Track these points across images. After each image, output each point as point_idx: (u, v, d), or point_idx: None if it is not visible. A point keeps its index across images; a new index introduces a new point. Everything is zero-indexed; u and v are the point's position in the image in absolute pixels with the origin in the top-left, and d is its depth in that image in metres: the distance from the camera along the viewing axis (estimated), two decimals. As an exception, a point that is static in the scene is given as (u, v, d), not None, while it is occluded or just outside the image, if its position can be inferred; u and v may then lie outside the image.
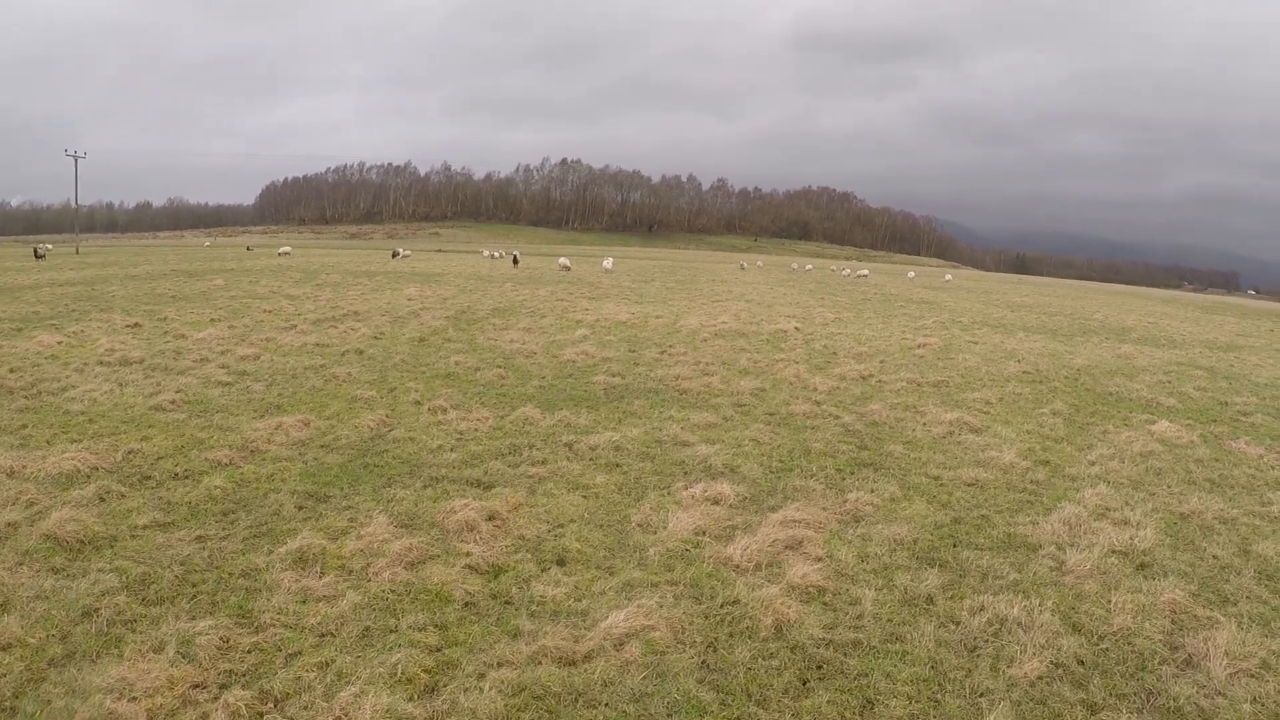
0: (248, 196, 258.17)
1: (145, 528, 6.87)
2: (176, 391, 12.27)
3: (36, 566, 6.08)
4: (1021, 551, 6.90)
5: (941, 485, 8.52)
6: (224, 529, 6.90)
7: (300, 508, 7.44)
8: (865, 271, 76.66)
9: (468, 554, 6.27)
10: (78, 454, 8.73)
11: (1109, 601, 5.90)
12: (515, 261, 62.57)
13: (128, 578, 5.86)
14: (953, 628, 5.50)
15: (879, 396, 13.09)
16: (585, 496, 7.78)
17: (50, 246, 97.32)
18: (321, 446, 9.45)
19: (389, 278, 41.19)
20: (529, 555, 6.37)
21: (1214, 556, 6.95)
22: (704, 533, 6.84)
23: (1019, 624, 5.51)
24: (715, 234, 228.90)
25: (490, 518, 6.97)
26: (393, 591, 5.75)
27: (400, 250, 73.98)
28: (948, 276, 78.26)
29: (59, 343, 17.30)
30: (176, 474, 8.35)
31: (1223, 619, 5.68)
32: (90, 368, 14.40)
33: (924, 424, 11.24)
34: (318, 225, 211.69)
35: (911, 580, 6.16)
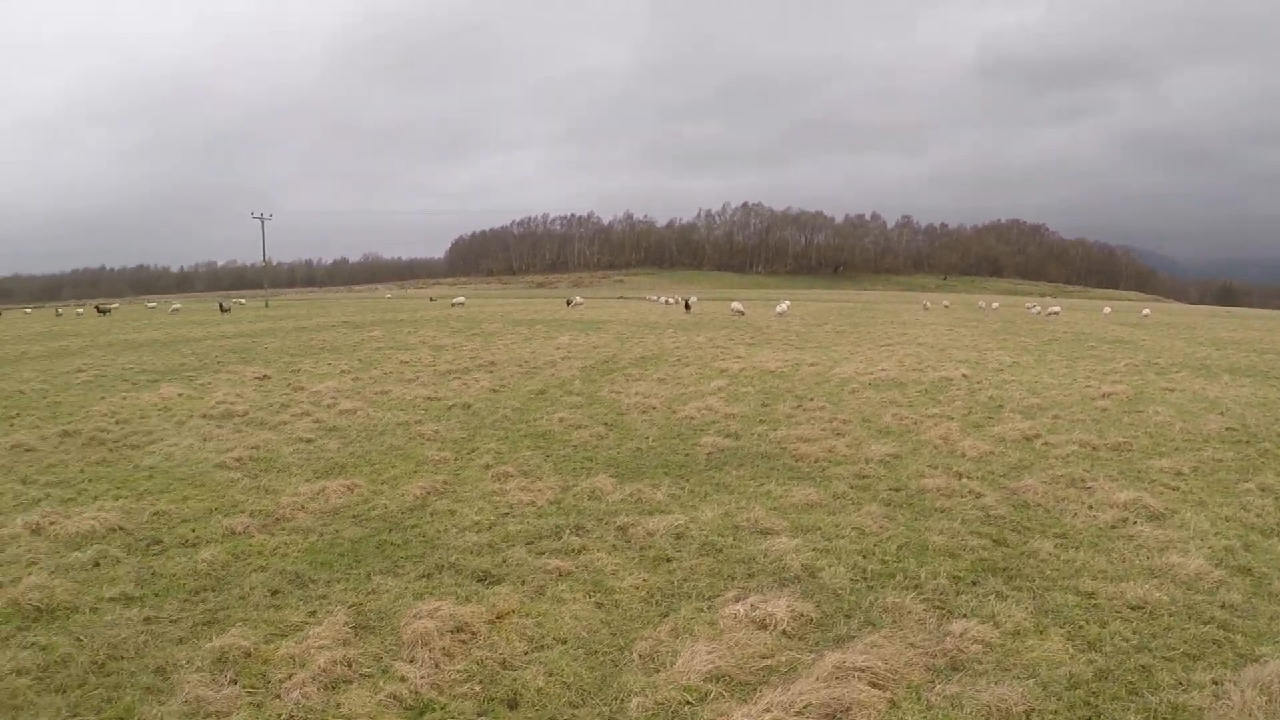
0: (438, 250, 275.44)
1: (110, 600, 6.66)
2: (252, 448, 12.23)
3: (-16, 633, 6.04)
4: (1191, 745, 4.79)
5: (1094, 608, 6.43)
6: (180, 610, 6.49)
7: (274, 592, 6.82)
8: (1057, 308, 71.88)
9: (404, 678, 5.16)
10: (104, 514, 8.81)
11: None
12: (688, 307, 62.62)
13: (49, 657, 5.68)
14: None
15: (1039, 466, 11.05)
16: (599, 605, 6.41)
17: (243, 300, 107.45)
18: (352, 516, 8.87)
19: (549, 326, 41.44)
20: (477, 689, 5.12)
21: None
22: (721, 678, 5.20)
23: None
24: (903, 273, 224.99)
25: (457, 629, 5.80)
26: (289, 718, 4.77)
27: (574, 298, 75.71)
28: (1145, 311, 71.91)
29: (179, 394, 18.07)
30: (185, 541, 8.17)
31: None
32: (190, 421, 14.81)
33: (1088, 507, 9.08)
34: (504, 276, 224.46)
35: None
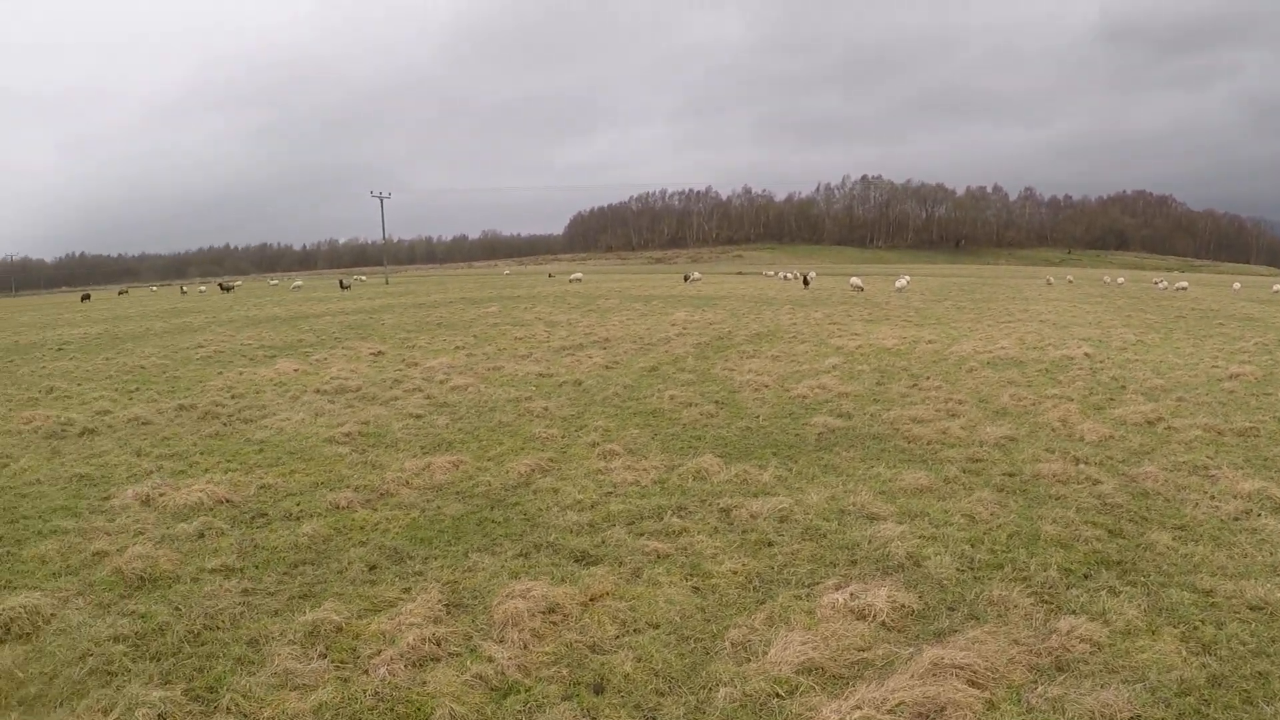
0: (557, 226, 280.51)
1: (211, 571, 6.93)
2: (362, 423, 12.57)
3: (88, 600, 6.40)
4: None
5: (1211, 607, 6.11)
6: (278, 583, 6.72)
7: (371, 568, 7.00)
8: (1185, 284, 71.41)
9: (491, 658, 5.21)
10: (213, 486, 9.19)
11: None
12: (806, 283, 62.80)
13: (148, 624, 5.92)
14: None
15: (1161, 451, 10.67)
16: (695, 590, 6.36)
17: (364, 278, 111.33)
18: (456, 493, 9.05)
19: (665, 302, 41.53)
20: (564, 672, 5.13)
21: None
22: (813, 670, 5.08)
23: None
24: (1026, 247, 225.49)
25: (549, 610, 5.84)
26: (374, 694, 4.89)
27: (692, 274, 76.34)
28: (1276, 287, 68.43)
29: (295, 370, 18.75)
30: (289, 514, 8.47)
31: None
32: (304, 396, 15.34)
33: (1211, 497, 8.69)
34: (623, 251, 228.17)
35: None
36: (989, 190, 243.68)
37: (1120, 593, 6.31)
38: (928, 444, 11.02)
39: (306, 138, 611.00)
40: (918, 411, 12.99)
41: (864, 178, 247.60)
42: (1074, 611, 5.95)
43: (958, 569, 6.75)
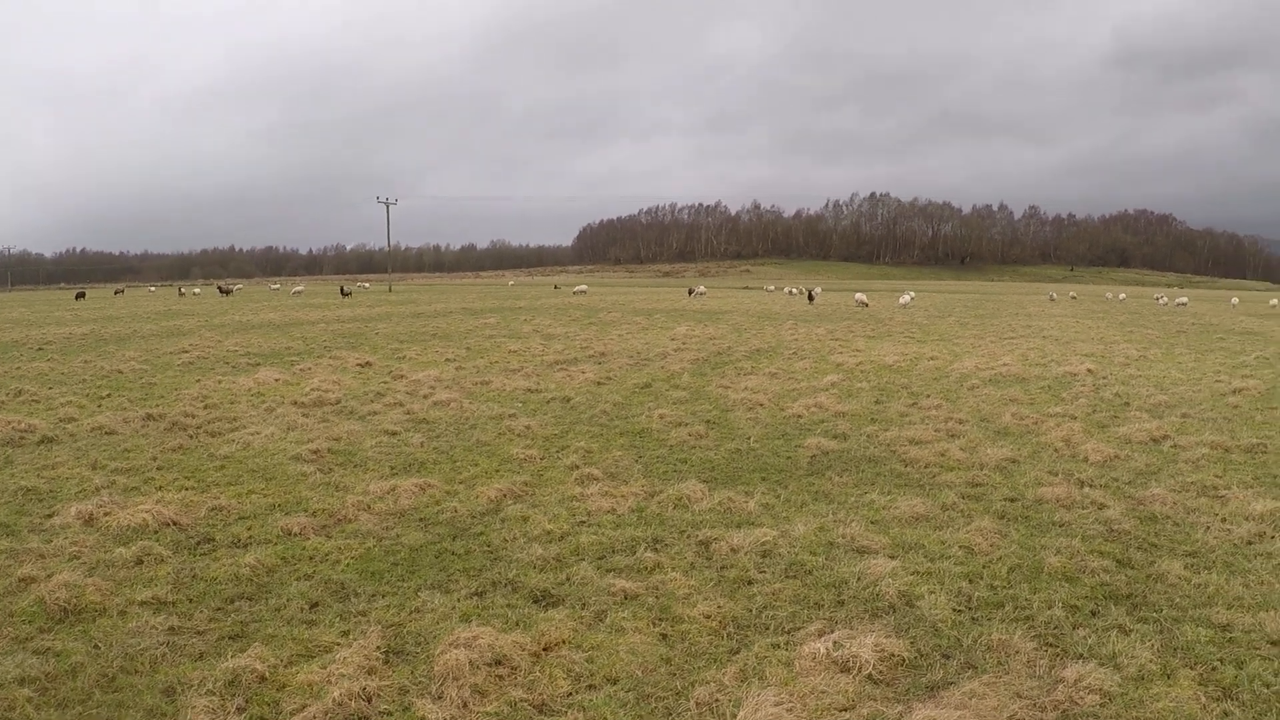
0: (567, 238, 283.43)
1: (141, 604, 6.45)
2: (333, 439, 12.14)
3: (2, 634, 5.94)
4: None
5: (1229, 642, 5.74)
6: (209, 621, 6.21)
7: (312, 605, 6.49)
8: (1184, 299, 74.66)
9: (424, 718, 4.62)
10: (162, 506, 8.74)
11: None
12: (811, 298, 64.12)
13: (60, 665, 5.47)
14: None
15: (1168, 471, 10.49)
16: (662, 638, 5.83)
17: (367, 285, 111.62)
18: (419, 520, 8.59)
19: (667, 316, 41.16)
20: (506, 737, 4.58)
21: None
22: None
23: None
24: (1029, 264, 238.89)
25: (496, 662, 5.30)
26: None
27: (696, 288, 77.14)
28: (1274, 301, 70.09)
29: (276, 380, 18.40)
30: (236, 541, 7.98)
31: None
32: (280, 408, 14.93)
33: (1222, 520, 8.45)
34: (632, 264, 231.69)
35: None
36: (995, 208, 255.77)
37: (1131, 631, 5.94)
38: (925, 467, 10.70)
39: (321, 141, 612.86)
40: (916, 432, 12.71)
41: (872, 195, 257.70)
42: (1081, 656, 5.55)
43: (954, 609, 6.30)
